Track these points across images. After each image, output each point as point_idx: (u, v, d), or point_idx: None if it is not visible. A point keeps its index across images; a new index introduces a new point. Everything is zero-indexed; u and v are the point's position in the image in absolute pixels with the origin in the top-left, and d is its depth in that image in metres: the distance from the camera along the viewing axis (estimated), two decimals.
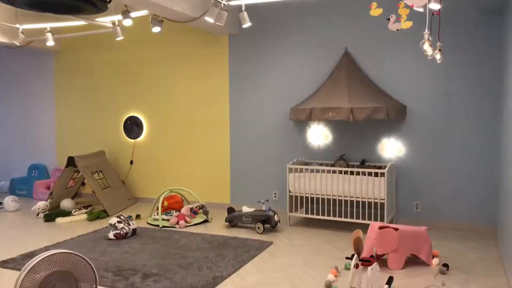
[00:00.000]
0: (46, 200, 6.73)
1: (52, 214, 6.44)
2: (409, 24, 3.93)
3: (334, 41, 6.20)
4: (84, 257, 2.04)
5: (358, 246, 3.50)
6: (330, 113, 5.55)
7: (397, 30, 3.87)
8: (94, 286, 2.07)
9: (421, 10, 3.56)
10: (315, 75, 6.32)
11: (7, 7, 6.86)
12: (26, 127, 8.76)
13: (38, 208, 6.55)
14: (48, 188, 7.91)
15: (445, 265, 4.26)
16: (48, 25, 6.67)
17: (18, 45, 7.19)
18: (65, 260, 2.03)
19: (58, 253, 2.04)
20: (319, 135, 6.37)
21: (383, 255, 4.51)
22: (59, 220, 6.33)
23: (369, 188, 5.49)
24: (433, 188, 5.81)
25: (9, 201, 6.97)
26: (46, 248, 5.01)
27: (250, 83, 6.76)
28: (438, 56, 4.46)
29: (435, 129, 5.76)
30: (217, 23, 5.37)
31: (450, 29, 5.46)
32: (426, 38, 3.92)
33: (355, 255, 3.53)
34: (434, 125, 5.76)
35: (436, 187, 5.79)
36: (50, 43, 6.64)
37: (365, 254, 4.32)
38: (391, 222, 5.83)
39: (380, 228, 4.39)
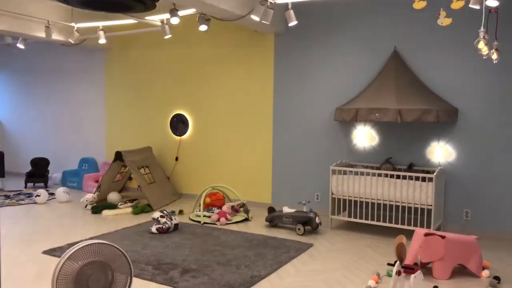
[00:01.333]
0: (94, 193, 6.97)
1: (99, 206, 6.66)
2: (448, 21, 3.77)
3: (382, 40, 6.01)
4: (121, 249, 2.06)
5: (400, 252, 3.35)
6: (376, 114, 5.39)
7: (442, 24, 3.76)
8: (129, 278, 2.09)
9: (477, 7, 3.37)
10: (362, 75, 6.16)
11: (64, 7, 7.17)
12: (78, 122, 9.12)
13: (86, 200, 6.79)
14: (97, 181, 8.19)
15: (496, 278, 4.01)
16: (101, 24, 6.90)
17: (72, 42, 7.50)
18: (102, 251, 2.06)
19: (96, 243, 2.07)
20: (365, 136, 6.20)
21: (428, 263, 4.32)
22: (106, 212, 6.53)
23: (416, 193, 5.27)
24: (484, 195, 5.50)
25: (61, 193, 7.27)
26: (92, 239, 5.17)
27: (295, 82, 6.69)
28: (494, 56, 4.21)
29: (488, 133, 5.46)
30: (263, 22, 5.34)
31: (508, 27, 5.15)
32: (482, 37, 3.70)
33: (397, 262, 3.38)
34: (487, 128, 5.46)
35: (488, 194, 5.48)
36: (102, 41, 6.87)
37: (408, 261, 4.15)
38: (438, 229, 5.58)
39: (426, 234, 4.20)
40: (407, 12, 5.82)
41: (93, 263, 2.00)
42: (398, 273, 3.39)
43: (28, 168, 9.08)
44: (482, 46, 3.72)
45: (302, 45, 6.60)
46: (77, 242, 4.96)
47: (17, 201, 7.21)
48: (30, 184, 8.79)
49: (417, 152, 5.86)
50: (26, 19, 6.82)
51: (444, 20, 3.80)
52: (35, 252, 4.72)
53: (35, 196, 7.12)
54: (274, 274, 4.17)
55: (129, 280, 2.10)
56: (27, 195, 7.68)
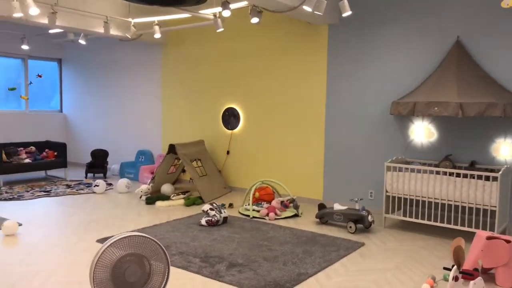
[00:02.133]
0: (149, 184, 7.15)
1: (153, 198, 6.81)
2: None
3: (443, 29, 5.65)
4: (162, 246, 2.04)
5: (458, 256, 3.12)
6: (436, 108, 5.08)
7: (508, 6, 3.43)
8: (165, 278, 2.06)
9: None
10: (421, 67, 5.84)
11: (121, 3, 7.38)
12: (136, 115, 9.41)
13: (141, 191, 6.98)
14: (152, 172, 8.40)
15: None
16: (156, 18, 7.03)
17: (129, 37, 7.70)
18: (144, 245, 2.04)
19: (139, 236, 2.06)
20: (422, 131, 5.88)
21: (491, 269, 4.01)
22: (159, 203, 6.67)
23: (478, 193, 4.92)
24: None
25: (122, 185, 7.49)
26: (143, 229, 5.29)
27: (349, 75, 6.47)
28: None
29: None
30: (316, 12, 5.19)
31: None
32: None
33: (455, 266, 3.15)
34: None
35: None
36: (157, 35, 7.00)
37: (468, 266, 3.87)
38: (503, 233, 5.19)
39: (489, 238, 3.89)
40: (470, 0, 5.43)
41: (132, 255, 1.99)
42: (455, 278, 3.16)
43: (89, 159, 9.50)
44: None
45: (357, 36, 6.36)
46: (129, 232, 5.12)
47: (77, 190, 7.55)
48: (90, 175, 9.19)
49: (480, 149, 5.47)
50: (86, 16, 7.09)
51: (510, 1, 3.47)
52: (90, 240, 4.89)
53: (94, 186, 7.41)
54: (322, 273, 4.04)
55: (165, 279, 2.08)
56: (86, 185, 8.03)
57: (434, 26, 5.73)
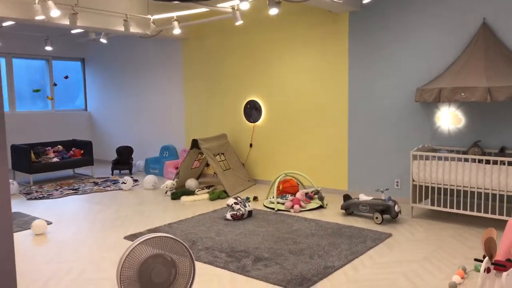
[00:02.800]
0: (173, 179, 7.21)
1: (178, 193, 6.87)
2: None
3: (469, 11, 5.47)
4: (189, 249, 2.04)
5: (490, 247, 3.02)
6: (462, 94, 4.93)
7: None
8: (190, 280, 2.07)
9: None
10: (446, 52, 5.67)
11: (140, 1, 7.41)
12: (159, 111, 9.49)
13: (166, 187, 7.04)
14: (177, 167, 8.47)
15: None
16: (175, 14, 7.03)
17: (149, 34, 7.74)
18: (171, 247, 2.05)
19: (168, 237, 2.06)
20: (449, 118, 5.73)
21: None
22: (184, 198, 6.72)
23: (509, 179, 4.77)
24: None
25: (149, 182, 7.55)
26: (169, 225, 5.35)
27: (371, 62, 6.34)
28: None
29: None
30: (336, 0, 5.09)
31: None
32: None
33: (486, 258, 3.06)
34: None
35: None
36: (177, 31, 7.01)
37: (500, 256, 3.76)
38: None
39: None
40: None
41: (159, 256, 2.00)
42: (487, 270, 3.07)
43: (114, 156, 9.65)
44: None
45: (378, 23, 6.22)
46: (156, 228, 5.17)
47: (104, 187, 7.68)
48: (116, 171, 9.34)
49: (510, 134, 5.29)
50: (106, 15, 7.15)
51: None
52: (118, 237, 4.97)
53: (121, 183, 7.52)
54: (349, 265, 4.00)
55: (190, 281, 2.08)
56: (113, 182, 8.16)
57: (458, 8, 5.55)
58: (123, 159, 9.19)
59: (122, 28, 7.33)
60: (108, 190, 7.51)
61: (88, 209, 6.28)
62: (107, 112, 10.68)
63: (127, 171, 9.27)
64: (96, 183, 8.05)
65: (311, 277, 3.72)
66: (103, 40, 8.09)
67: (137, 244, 2.01)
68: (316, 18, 6.81)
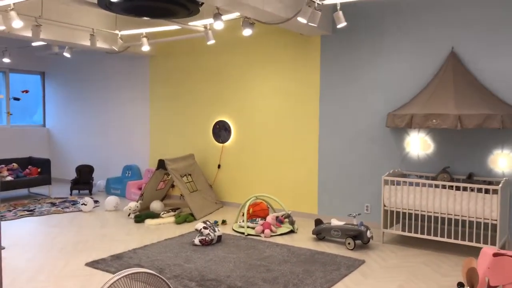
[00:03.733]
0: (137, 201, 6.90)
1: (142, 215, 6.57)
2: None
3: (438, 40, 5.60)
4: (168, 283, 1.84)
5: (471, 278, 2.99)
6: (434, 120, 4.99)
7: None
8: None
9: None
10: (415, 78, 5.77)
11: (108, 15, 7.18)
12: (123, 129, 9.16)
13: (130, 209, 6.73)
14: (140, 188, 8.15)
15: None
16: (144, 30, 6.85)
17: (116, 50, 7.50)
18: (146, 282, 1.85)
19: (142, 272, 1.86)
20: (419, 144, 5.79)
21: (497, 286, 3.89)
22: (148, 221, 6.43)
23: (478, 206, 4.83)
24: None
25: (110, 204, 7.18)
26: (134, 251, 5.06)
27: (342, 86, 6.37)
28: None
29: None
30: (310, 24, 5.08)
31: None
32: None
33: None
34: None
35: None
36: (146, 48, 6.82)
37: (478, 285, 3.75)
38: (503, 246, 5.10)
39: (495, 255, 3.77)
40: (465, 10, 5.39)
41: None
42: None
43: (73, 175, 9.20)
44: None
45: (350, 47, 6.28)
46: (120, 254, 4.87)
47: (62, 208, 7.26)
48: (75, 191, 8.89)
49: (478, 161, 5.40)
50: (71, 28, 6.88)
51: None
52: (79, 263, 4.64)
53: (81, 204, 7.12)
54: None
55: None
56: (72, 203, 7.74)
57: (428, 36, 5.68)
58: (83, 179, 8.77)
59: (88, 43, 7.06)
60: (67, 212, 7.09)
61: (45, 232, 5.88)
62: (67, 128, 10.22)
63: (87, 191, 8.84)
64: (53, 204, 7.60)
65: None
66: (67, 54, 7.78)
67: (114, 282, 1.81)
68: (288, 40, 6.81)
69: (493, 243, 4.79)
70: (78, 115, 9.95)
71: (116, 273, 1.86)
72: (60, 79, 10.29)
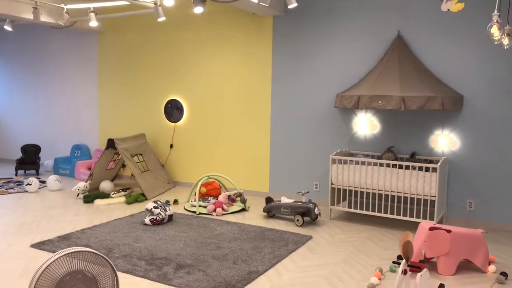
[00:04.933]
0: (86, 181, 6.76)
1: (91, 196, 6.45)
2: (460, 6, 3.52)
3: (385, 24, 5.76)
4: (110, 261, 1.85)
5: (407, 250, 3.18)
6: (379, 102, 5.17)
7: (448, 10, 3.48)
8: None
9: None
10: (363, 60, 5.93)
11: None
12: (71, 107, 8.86)
13: (78, 189, 6.58)
14: (89, 168, 7.97)
15: (504, 274, 3.85)
16: (92, 5, 6.59)
17: (62, 25, 7.19)
18: (89, 260, 1.85)
19: (84, 251, 1.86)
20: (366, 124, 5.99)
21: (432, 258, 4.16)
22: (98, 202, 6.32)
23: (419, 183, 5.09)
24: (489, 185, 5.33)
25: (52, 181, 7.05)
26: (82, 231, 4.98)
27: (294, 67, 6.44)
28: (505, 41, 3.98)
29: (494, 121, 5.26)
30: (261, 3, 5.08)
31: None
32: (495, 21, 3.47)
33: (403, 260, 3.21)
34: (494, 117, 5.26)
35: (493, 184, 5.31)
36: (93, 23, 6.58)
37: (413, 257, 3.99)
38: (440, 221, 5.43)
39: (431, 229, 4.03)
40: None
41: (78, 273, 1.80)
42: (404, 272, 3.22)
43: (18, 154, 8.85)
44: (495, 30, 3.50)
45: (301, 28, 6.34)
46: (67, 234, 4.79)
47: (6, 189, 6.99)
48: (21, 172, 8.57)
49: (420, 140, 5.67)
50: (13, 0, 6.51)
51: (454, 6, 3.54)
52: (24, 245, 4.52)
53: (26, 185, 6.89)
54: (272, 270, 3.99)
55: None
56: (17, 183, 7.46)
57: (376, 19, 5.83)
58: (29, 159, 8.46)
59: (31, 16, 6.72)
60: (11, 193, 6.84)
61: None
62: (11, 106, 9.75)
63: (34, 171, 8.54)
64: None
65: (236, 283, 3.65)
66: (8, 28, 7.36)
67: (53, 261, 1.79)
68: (241, 19, 6.78)
69: (432, 218, 5.09)
70: (23, 92, 9.51)
71: (56, 252, 1.85)
72: (3, 55, 9.76)
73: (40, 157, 8.61)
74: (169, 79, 7.58)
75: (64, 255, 1.81)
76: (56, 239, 4.69)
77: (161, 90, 7.68)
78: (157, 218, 5.28)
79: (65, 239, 4.69)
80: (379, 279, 3.79)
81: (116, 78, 8.18)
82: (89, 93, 8.55)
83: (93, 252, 1.83)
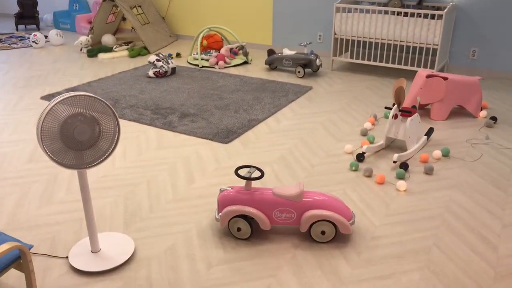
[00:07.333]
0: (88, 35, 6.69)
1: (94, 50, 6.45)
2: None
3: None
4: (109, 105, 1.98)
5: (399, 96, 3.28)
6: None
7: None
8: (114, 142, 2.06)
9: None
10: None
11: None
12: None
13: (81, 43, 6.55)
14: (90, 22, 7.82)
15: (493, 118, 4.02)
16: None
17: None
18: (89, 104, 1.97)
19: (84, 95, 1.98)
20: None
21: (427, 105, 4.30)
22: (101, 55, 6.35)
23: (423, 32, 4.99)
24: (494, 34, 5.21)
25: (54, 35, 6.97)
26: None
27: None
28: None
29: None
30: None
31: None
32: None
33: (395, 105, 3.34)
34: None
35: (498, 33, 5.18)
36: None
37: (408, 103, 4.13)
38: (441, 69, 5.45)
39: (428, 76, 4.08)
40: None
41: (78, 115, 1.94)
42: (395, 116, 3.37)
43: (16, 8, 8.61)
44: None
45: None
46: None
47: (9, 44, 6.98)
48: (21, 27, 8.44)
49: None
50: None
51: None
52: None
53: (32, 42, 6.81)
54: (271, 118, 4.19)
55: (114, 143, 2.07)
56: (19, 38, 7.42)
57: None
58: (27, 12, 8.24)
59: None
60: (15, 48, 6.85)
61: None
62: None
63: (34, 26, 8.40)
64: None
65: (236, 129, 3.88)
66: None
67: (59, 101, 1.92)
68: None
69: (432, 67, 5.10)
70: None
71: (57, 97, 1.96)
72: None
73: (38, 11, 8.38)
74: None
75: (63, 99, 1.93)
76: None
77: None
78: (160, 70, 5.36)
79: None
80: (373, 124, 3.99)
81: None
82: None
83: (91, 96, 1.95)
